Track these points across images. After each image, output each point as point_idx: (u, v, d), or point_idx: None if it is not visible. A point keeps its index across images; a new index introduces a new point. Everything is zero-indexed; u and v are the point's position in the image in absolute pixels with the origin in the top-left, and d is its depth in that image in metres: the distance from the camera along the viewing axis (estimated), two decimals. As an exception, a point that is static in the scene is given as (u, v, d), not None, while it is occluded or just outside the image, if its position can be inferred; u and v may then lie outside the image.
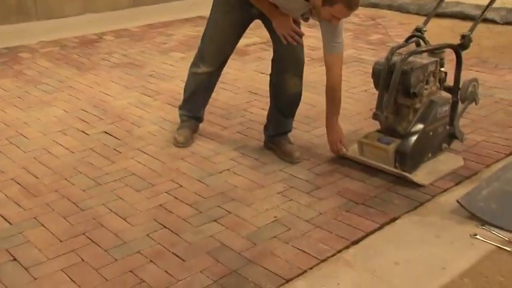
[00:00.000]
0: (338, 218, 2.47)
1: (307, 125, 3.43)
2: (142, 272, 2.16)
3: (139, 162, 3.00)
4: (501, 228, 2.36)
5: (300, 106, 3.64)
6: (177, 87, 4.09)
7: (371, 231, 2.38)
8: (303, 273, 2.14)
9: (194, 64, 3.02)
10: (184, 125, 3.14)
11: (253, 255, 2.23)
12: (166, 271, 2.16)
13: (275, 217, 2.48)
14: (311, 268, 2.16)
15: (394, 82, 2.66)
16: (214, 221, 2.46)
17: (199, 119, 3.17)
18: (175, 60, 4.73)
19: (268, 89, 3.04)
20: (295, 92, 2.91)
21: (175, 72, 4.42)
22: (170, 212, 2.55)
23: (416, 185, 2.70)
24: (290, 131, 3.04)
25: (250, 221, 2.46)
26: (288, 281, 2.10)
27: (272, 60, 2.92)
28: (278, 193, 2.69)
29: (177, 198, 2.65)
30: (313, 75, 4.28)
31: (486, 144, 3.14)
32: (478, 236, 2.32)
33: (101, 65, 4.62)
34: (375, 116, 2.73)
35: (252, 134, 3.33)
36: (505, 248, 2.25)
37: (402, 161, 2.73)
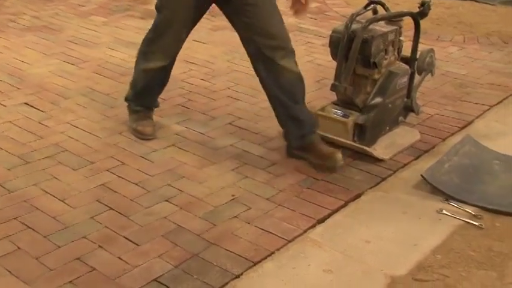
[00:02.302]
0: (300, 196, 2.47)
1: (253, 97, 3.40)
2: (92, 259, 2.06)
3: (71, 138, 2.86)
4: (464, 203, 2.45)
5: (242, 77, 3.59)
6: (104, 55, 3.92)
7: (336, 208, 2.40)
8: (270, 254, 2.12)
9: (143, 58, 2.75)
10: (141, 115, 2.88)
11: (214, 236, 2.19)
12: (119, 257, 2.07)
13: (233, 195, 2.46)
14: (278, 249, 2.15)
15: (354, 51, 2.66)
16: (166, 200, 2.40)
17: (155, 106, 2.95)
18: (96, 25, 4.53)
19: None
20: (295, 72, 2.60)
21: (99, 39, 4.23)
22: (115, 191, 2.44)
23: (375, 160, 2.74)
24: (316, 122, 2.69)
25: (206, 200, 2.42)
26: (255, 263, 2.07)
27: (247, 50, 2.64)
28: (232, 170, 2.65)
29: (120, 177, 2.55)
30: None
31: (439, 117, 3.24)
32: (444, 211, 2.39)
33: (9, 28, 4.33)
34: (334, 87, 2.73)
35: (195, 107, 3.25)
36: (472, 222, 2.33)
37: (361, 134, 2.76)
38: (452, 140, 3.00)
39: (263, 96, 3.35)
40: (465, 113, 3.30)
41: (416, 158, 2.82)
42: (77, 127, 2.97)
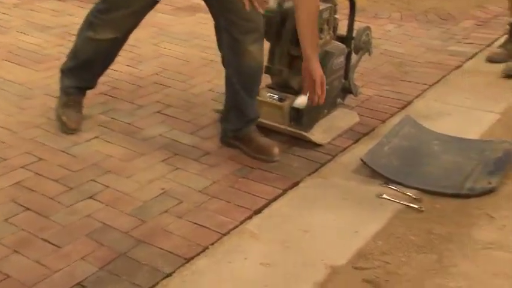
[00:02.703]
0: (235, 186, 2.47)
1: (184, 82, 3.37)
2: (6, 265, 1.98)
3: None
4: (403, 185, 2.50)
5: (171, 61, 3.54)
6: (15, 40, 3.79)
7: (273, 198, 2.41)
8: (204, 250, 2.11)
9: (90, 27, 2.63)
10: (70, 102, 2.75)
11: (144, 233, 2.16)
12: (37, 261, 2.01)
13: (162, 189, 2.43)
14: (213, 244, 2.14)
15: (287, 31, 2.68)
16: (90, 197, 2.35)
17: (89, 89, 2.83)
18: (7, 8, 4.37)
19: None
20: (259, 62, 2.60)
21: (9, 22, 4.10)
22: (32, 190, 2.37)
23: (314, 145, 2.77)
24: (258, 117, 2.72)
25: (134, 195, 2.38)
26: (188, 260, 2.05)
27: (216, 28, 2.65)
28: (162, 161, 2.62)
29: (38, 174, 2.47)
30: (181, 26, 4.20)
31: (378, 98, 3.30)
32: (384, 196, 2.44)
33: None
34: (267, 70, 2.74)
35: (120, 95, 3.19)
36: (412, 205, 2.39)
37: (298, 118, 2.78)
38: (392, 121, 3.05)
39: (194, 81, 3.36)
40: (404, 93, 3.36)
41: (356, 142, 2.87)
42: None
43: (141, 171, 2.54)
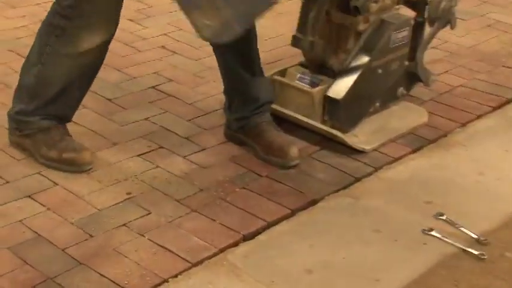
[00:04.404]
0: (227, 198, 2.44)
1: (198, 49, 3.38)
2: None
3: None
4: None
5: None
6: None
7: (275, 220, 2.36)
8: (161, 283, 2.08)
9: (68, 40, 2.43)
10: (56, 134, 2.56)
11: (86, 253, 2.16)
12: None
13: (128, 193, 2.43)
14: (175, 276, 2.11)
15: None
16: (29, 196, 2.39)
17: (67, 120, 2.64)
18: None
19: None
20: (254, 33, 2.63)
21: None
22: None
23: (353, 151, 2.70)
24: (272, 102, 2.72)
25: (88, 198, 2.40)
26: (135, 296, 2.03)
27: None
28: (139, 155, 2.63)
29: None
30: None
31: (465, 90, 3.19)
32: (433, 232, 2.35)
33: None
34: (295, 41, 2.69)
35: (110, 61, 3.12)
36: (470, 250, 2.27)
37: (334, 112, 2.72)
38: (478, 125, 2.95)
39: (211, 49, 3.33)
40: (505, 86, 3.23)
41: (415, 151, 2.78)
42: None
43: (107, 166, 2.55)
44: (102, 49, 2.48)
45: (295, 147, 2.61)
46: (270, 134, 2.64)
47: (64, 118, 2.60)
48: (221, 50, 2.61)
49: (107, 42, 2.47)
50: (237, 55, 2.59)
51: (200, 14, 2.11)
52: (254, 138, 2.65)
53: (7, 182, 2.43)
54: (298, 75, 2.80)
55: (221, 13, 2.11)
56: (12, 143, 2.60)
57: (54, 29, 2.43)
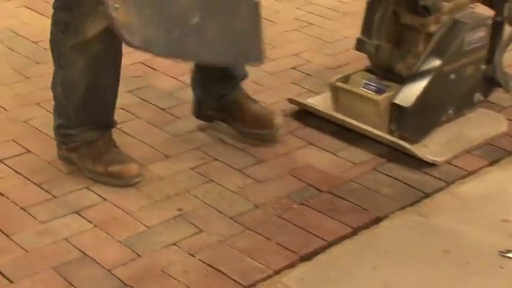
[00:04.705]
0: (284, 215, 2.41)
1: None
2: None
3: None
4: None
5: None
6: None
7: (336, 239, 2.32)
8: (209, 308, 2.07)
9: (75, 30, 2.41)
10: (102, 145, 2.56)
11: (134, 274, 2.14)
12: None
13: (179, 210, 2.43)
14: (226, 300, 2.09)
15: None
16: (76, 212, 2.40)
17: (108, 126, 2.63)
18: None
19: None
20: None
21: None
22: (2, 195, 2.47)
23: (423, 163, 2.65)
24: (247, 76, 2.81)
25: (138, 214, 2.40)
26: (182, 322, 2.02)
27: None
28: (191, 169, 2.62)
29: (18, 173, 2.59)
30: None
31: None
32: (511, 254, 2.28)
33: None
34: (360, 45, 2.69)
35: (163, 67, 3.21)
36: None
37: (402, 120, 2.69)
38: None
39: (275, 52, 3.35)
40: None
41: (493, 163, 2.72)
42: None
43: (158, 180, 2.55)
44: (110, 34, 2.32)
45: (278, 115, 2.73)
46: (253, 108, 2.73)
47: (104, 123, 2.59)
48: None
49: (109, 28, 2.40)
50: None
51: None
52: (235, 114, 2.74)
53: (54, 197, 2.45)
54: (363, 81, 2.78)
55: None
56: (60, 157, 2.62)
57: (59, 26, 2.45)
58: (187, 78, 3.09)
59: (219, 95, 2.73)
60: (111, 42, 2.44)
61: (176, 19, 2.27)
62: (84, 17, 2.38)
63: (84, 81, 2.48)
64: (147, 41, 2.25)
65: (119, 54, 2.53)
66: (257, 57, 2.42)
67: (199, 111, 2.79)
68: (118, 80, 2.57)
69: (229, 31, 2.36)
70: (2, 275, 2.13)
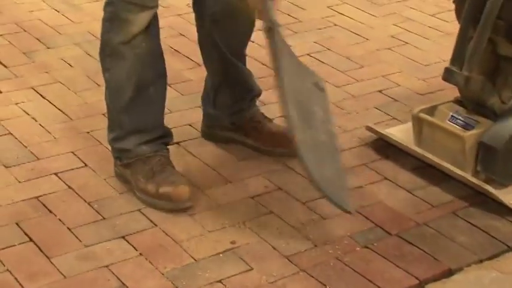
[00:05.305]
0: (345, 259, 2.28)
1: (345, 73, 3.19)
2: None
3: (25, 114, 2.94)
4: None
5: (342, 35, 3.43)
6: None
7: None
8: None
9: (119, 26, 2.41)
10: (156, 162, 2.49)
11: None
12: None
13: (232, 243, 2.34)
14: None
15: (489, 12, 2.43)
16: (123, 237, 2.35)
17: (167, 136, 2.60)
18: None
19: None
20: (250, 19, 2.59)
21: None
22: (50, 212, 2.43)
23: (509, 211, 2.49)
24: (261, 93, 2.79)
25: (187, 245, 2.32)
26: None
27: None
28: (252, 198, 2.53)
29: (70, 188, 2.55)
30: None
31: None
32: None
33: None
34: (448, 75, 2.56)
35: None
36: None
37: (490, 162, 2.53)
38: None
39: (362, 72, 3.17)
40: None
41: None
42: (43, 97, 3.01)
43: (215, 208, 2.48)
44: (152, 31, 2.43)
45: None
46: (269, 125, 2.74)
47: (154, 130, 2.53)
48: (215, 41, 2.62)
49: (154, 17, 2.42)
50: (232, 46, 2.64)
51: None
52: (250, 132, 2.72)
53: (103, 219, 2.40)
54: (450, 114, 2.62)
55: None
56: (116, 174, 2.56)
57: (104, 25, 2.44)
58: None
59: (233, 112, 2.71)
60: (153, 39, 2.47)
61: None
62: (127, 13, 2.37)
63: (131, 83, 2.45)
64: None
65: (162, 55, 2.53)
66: (346, 205, 2.35)
67: (210, 130, 2.78)
68: (165, 83, 2.57)
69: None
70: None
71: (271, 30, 2.26)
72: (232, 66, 2.68)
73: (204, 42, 2.69)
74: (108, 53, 2.45)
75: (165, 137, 2.57)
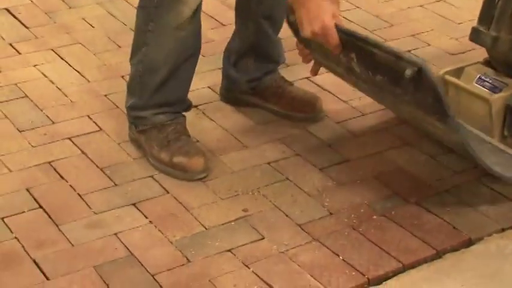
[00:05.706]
0: (360, 228, 2.25)
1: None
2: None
3: (43, 77, 2.91)
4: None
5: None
6: None
7: (413, 262, 2.13)
8: (257, 330, 1.95)
9: (168, 8, 2.38)
10: (172, 133, 2.47)
11: (178, 282, 2.05)
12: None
13: (244, 211, 2.31)
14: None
15: None
16: (133, 204, 2.33)
17: (187, 108, 2.58)
18: None
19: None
20: None
21: None
22: (62, 178, 2.42)
23: None
24: (285, 61, 2.80)
25: (198, 212, 2.29)
26: None
27: None
28: (267, 163, 2.50)
29: (84, 153, 2.52)
30: None
31: None
32: None
33: None
34: (475, 35, 2.51)
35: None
36: None
37: None
38: None
39: None
40: None
41: None
42: (62, 59, 2.99)
43: (229, 174, 2.45)
44: (197, 17, 2.41)
45: (320, 99, 2.69)
46: (290, 89, 2.70)
47: (177, 109, 2.50)
48: (254, 11, 2.62)
49: (199, 7, 2.39)
50: (271, 18, 2.63)
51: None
52: (271, 98, 2.69)
53: (115, 185, 2.38)
54: (477, 76, 2.54)
55: None
56: (131, 139, 2.54)
57: (151, 2, 2.38)
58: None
59: (254, 78, 2.69)
60: (196, 25, 2.44)
61: None
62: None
63: (169, 64, 2.41)
64: None
65: (200, 34, 2.49)
66: None
67: (229, 93, 2.76)
68: (197, 61, 2.53)
69: None
70: (40, 270, 2.07)
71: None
72: (266, 38, 2.67)
73: (242, 9, 2.67)
74: (151, 28, 2.39)
75: (184, 109, 2.55)
